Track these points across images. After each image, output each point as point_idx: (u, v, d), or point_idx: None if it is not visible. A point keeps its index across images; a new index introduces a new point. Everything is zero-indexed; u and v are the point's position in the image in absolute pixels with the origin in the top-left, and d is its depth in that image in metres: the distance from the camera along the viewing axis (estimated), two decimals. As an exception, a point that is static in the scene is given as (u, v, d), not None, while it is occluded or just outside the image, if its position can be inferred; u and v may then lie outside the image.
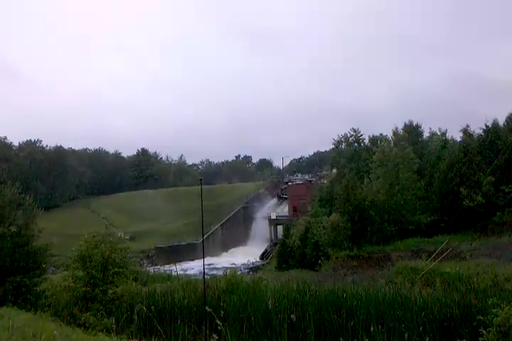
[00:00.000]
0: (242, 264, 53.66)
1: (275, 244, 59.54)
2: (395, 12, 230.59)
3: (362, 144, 57.59)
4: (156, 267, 37.74)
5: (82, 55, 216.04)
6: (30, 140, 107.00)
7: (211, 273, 29.86)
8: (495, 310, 8.77)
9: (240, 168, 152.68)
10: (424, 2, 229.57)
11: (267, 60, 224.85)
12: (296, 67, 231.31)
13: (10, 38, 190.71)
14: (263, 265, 52.24)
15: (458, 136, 47.40)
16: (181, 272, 24.15)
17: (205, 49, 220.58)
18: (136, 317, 11.16)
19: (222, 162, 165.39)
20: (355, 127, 59.43)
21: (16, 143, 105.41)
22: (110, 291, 11.50)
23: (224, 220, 78.73)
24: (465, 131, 43.95)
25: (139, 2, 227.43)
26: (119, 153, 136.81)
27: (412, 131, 49.01)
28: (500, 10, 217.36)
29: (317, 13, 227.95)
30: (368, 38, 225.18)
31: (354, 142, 58.65)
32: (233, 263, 54.84)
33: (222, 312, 10.76)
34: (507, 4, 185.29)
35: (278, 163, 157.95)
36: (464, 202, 31.52)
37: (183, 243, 69.07)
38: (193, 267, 44.80)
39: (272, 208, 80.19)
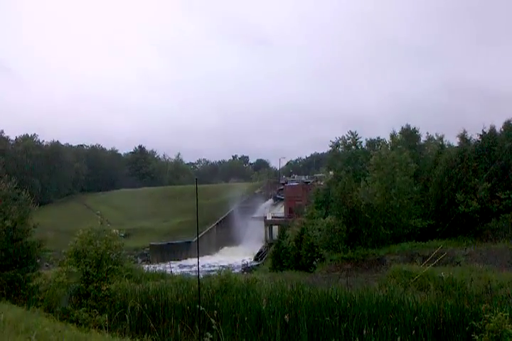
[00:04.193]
0: (227, 265, 52.22)
1: (270, 245, 59.49)
2: (394, 17, 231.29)
3: (359, 147, 57.57)
4: (152, 265, 37.63)
5: (81, 52, 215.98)
6: (27, 134, 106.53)
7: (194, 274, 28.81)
8: (488, 316, 8.79)
9: (237, 168, 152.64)
10: (426, 9, 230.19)
11: (265, 62, 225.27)
12: (295, 71, 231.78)
13: (5, 34, 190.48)
14: (257, 265, 52.12)
15: (455, 142, 47.34)
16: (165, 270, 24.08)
17: (205, 50, 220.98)
18: (129, 314, 11.13)
19: (219, 161, 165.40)
20: (353, 130, 59.47)
21: (12, 138, 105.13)
22: (104, 288, 11.46)
23: (219, 219, 78.67)
24: (462, 137, 43.92)
25: (135, 1, 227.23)
26: (116, 150, 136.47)
27: (409, 135, 48.99)
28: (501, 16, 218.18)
29: (315, 18, 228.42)
30: (367, 43, 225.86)
31: (351, 145, 58.60)
32: (226, 264, 54.20)
33: (215, 311, 10.76)
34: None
35: (275, 164, 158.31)
36: (460, 208, 31.52)
37: (178, 241, 69.01)
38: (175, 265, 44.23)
39: (267, 209, 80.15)
